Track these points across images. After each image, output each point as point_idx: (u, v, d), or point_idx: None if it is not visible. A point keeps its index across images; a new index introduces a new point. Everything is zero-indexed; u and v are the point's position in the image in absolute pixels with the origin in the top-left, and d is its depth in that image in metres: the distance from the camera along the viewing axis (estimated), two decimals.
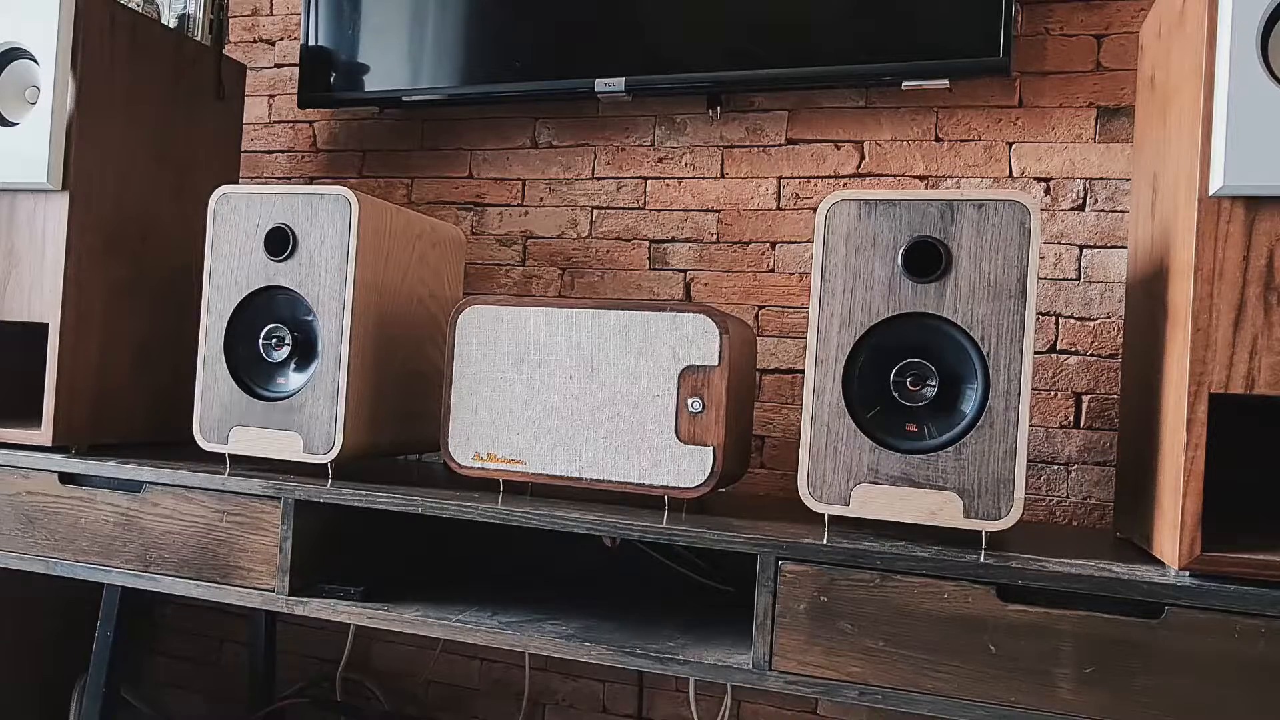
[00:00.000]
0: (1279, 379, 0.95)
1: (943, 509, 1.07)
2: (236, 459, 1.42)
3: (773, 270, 1.60)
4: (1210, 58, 0.98)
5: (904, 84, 1.46)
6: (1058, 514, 1.45)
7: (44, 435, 1.39)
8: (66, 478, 1.37)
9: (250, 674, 1.83)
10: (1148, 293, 1.18)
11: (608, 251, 1.70)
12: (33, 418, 1.43)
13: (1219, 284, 0.97)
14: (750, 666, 1.07)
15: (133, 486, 1.33)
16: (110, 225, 1.47)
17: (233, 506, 1.28)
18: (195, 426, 1.36)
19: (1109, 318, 1.44)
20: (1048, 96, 1.48)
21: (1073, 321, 1.46)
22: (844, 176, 1.57)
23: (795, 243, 1.59)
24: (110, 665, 1.45)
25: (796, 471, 1.55)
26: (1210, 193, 0.97)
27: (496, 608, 1.26)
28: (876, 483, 1.09)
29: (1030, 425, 1.45)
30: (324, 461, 1.30)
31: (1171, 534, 0.99)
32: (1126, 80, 1.44)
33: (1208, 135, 0.98)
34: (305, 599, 1.24)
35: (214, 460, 1.42)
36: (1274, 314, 0.95)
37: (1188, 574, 0.97)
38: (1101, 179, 1.45)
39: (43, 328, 1.41)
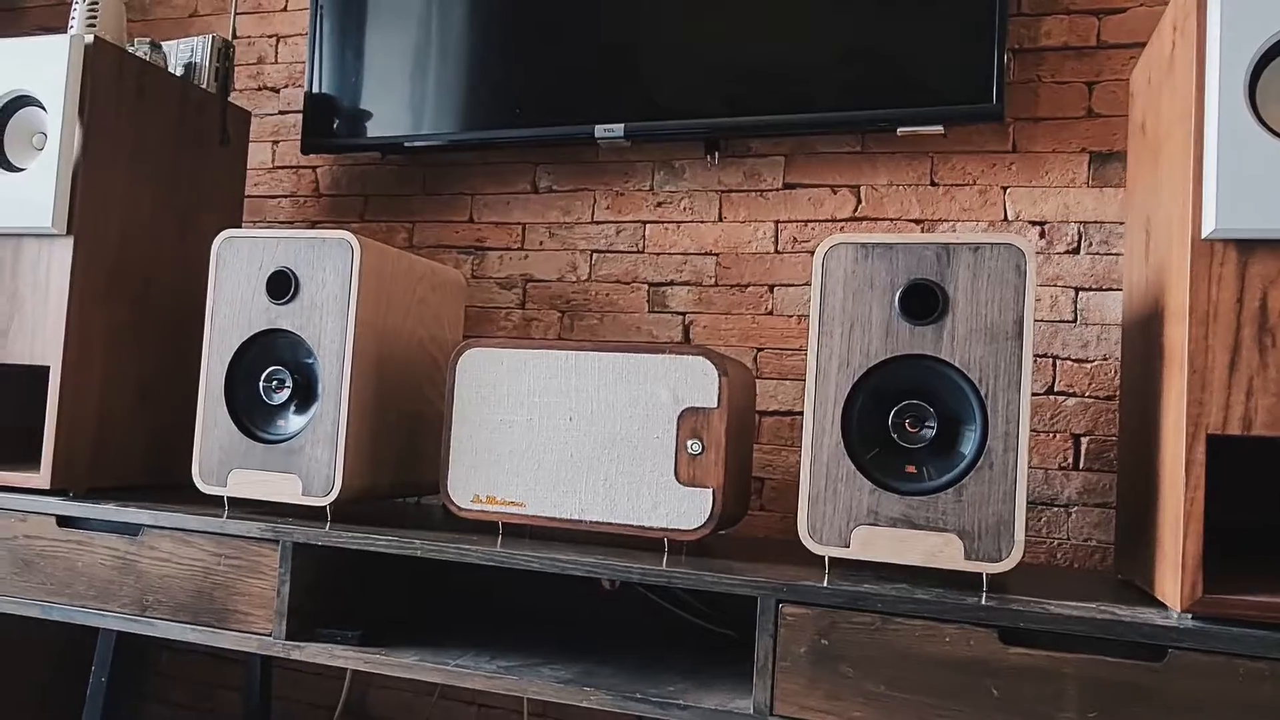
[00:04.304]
0: (1275, 420, 0.95)
1: (943, 551, 1.07)
2: (235, 501, 1.42)
3: (771, 313, 1.61)
4: (1199, 104, 1.00)
5: (899, 130, 1.49)
6: (1058, 556, 1.45)
7: (42, 478, 1.38)
8: (64, 521, 1.36)
9: None
10: (1144, 334, 1.19)
11: (607, 294, 1.71)
12: (32, 460, 1.43)
13: (1214, 326, 0.98)
14: (751, 711, 1.06)
15: (131, 530, 1.33)
16: (113, 269, 1.48)
17: (231, 550, 1.27)
18: (194, 469, 1.36)
19: (1106, 359, 1.45)
20: (1041, 142, 1.50)
21: (1070, 363, 1.46)
22: (841, 220, 1.59)
23: (793, 285, 1.60)
24: (105, 711, 1.43)
25: (796, 513, 1.54)
26: (1203, 236, 0.98)
27: (495, 651, 1.25)
28: (876, 524, 1.09)
29: (1029, 467, 1.45)
30: (323, 504, 1.29)
31: (1173, 576, 0.98)
32: (1118, 126, 1.46)
33: (1198, 180, 0.99)
34: (302, 643, 1.24)
35: (213, 503, 1.41)
36: (1269, 355, 0.96)
37: (1190, 616, 0.97)
38: (1096, 222, 1.47)
39: (44, 370, 1.41)
